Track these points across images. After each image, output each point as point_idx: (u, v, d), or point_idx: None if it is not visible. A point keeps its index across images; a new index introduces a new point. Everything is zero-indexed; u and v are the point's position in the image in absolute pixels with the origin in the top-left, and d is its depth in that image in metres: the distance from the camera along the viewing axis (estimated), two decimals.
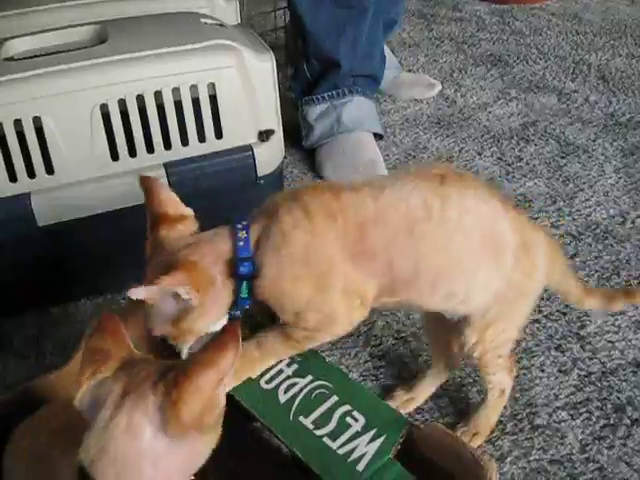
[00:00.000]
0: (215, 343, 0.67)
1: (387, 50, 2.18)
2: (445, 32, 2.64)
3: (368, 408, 0.94)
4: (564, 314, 1.40)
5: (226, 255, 0.90)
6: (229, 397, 0.75)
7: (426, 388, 1.25)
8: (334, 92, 1.88)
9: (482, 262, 0.97)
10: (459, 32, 2.64)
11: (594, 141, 1.94)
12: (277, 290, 0.92)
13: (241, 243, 0.90)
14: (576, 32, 2.60)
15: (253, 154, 1.45)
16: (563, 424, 1.21)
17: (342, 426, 0.92)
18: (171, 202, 0.96)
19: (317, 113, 1.90)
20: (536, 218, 1.65)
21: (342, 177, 1.79)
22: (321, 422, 0.92)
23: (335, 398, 0.95)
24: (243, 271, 0.90)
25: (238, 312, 0.94)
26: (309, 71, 1.91)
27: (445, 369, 1.25)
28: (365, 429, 0.91)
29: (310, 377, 0.98)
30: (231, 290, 0.91)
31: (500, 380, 1.16)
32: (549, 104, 2.11)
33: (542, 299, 1.44)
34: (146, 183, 0.96)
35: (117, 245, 1.38)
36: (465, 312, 1.03)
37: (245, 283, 0.91)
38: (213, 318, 0.92)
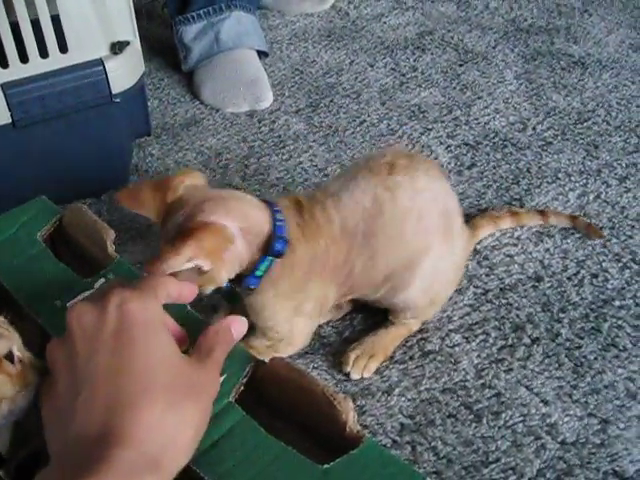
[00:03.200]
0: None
1: None
2: None
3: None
4: None
5: (260, 226, 0.89)
6: None
7: None
8: (210, 8, 1.69)
9: (435, 241, 0.97)
10: None
11: (494, 48, 1.78)
12: (287, 280, 0.92)
13: (279, 223, 0.89)
14: None
15: (104, 69, 1.25)
16: (457, 348, 1.07)
17: None
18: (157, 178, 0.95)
19: (193, 33, 1.70)
20: (430, 129, 1.50)
21: (222, 99, 1.61)
22: None
23: None
24: (279, 248, 0.88)
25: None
26: None
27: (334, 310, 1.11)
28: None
29: None
30: (247, 260, 0.89)
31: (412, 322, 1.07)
32: (447, 12, 1.94)
33: None
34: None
35: None
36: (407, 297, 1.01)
37: (269, 261, 0.89)
38: (231, 270, 0.89)
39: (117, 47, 1.28)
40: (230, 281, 0.91)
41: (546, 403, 1.00)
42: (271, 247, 0.88)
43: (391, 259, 0.96)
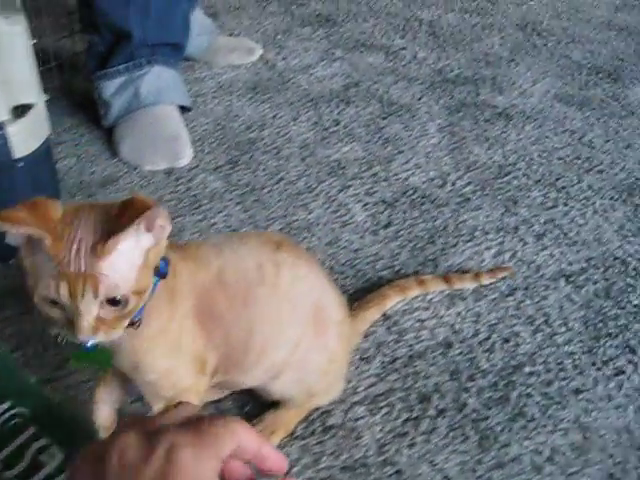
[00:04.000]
0: None
1: (201, 14, 1.96)
2: None
3: (68, 441, 0.73)
4: (369, 291, 1.21)
5: None
6: None
7: None
8: (130, 64, 1.66)
9: (306, 333, 0.93)
10: None
11: (419, 99, 1.77)
12: (168, 307, 0.82)
13: None
14: None
15: (5, 133, 1.22)
16: (360, 422, 1.03)
17: (36, 465, 0.71)
18: None
19: (113, 88, 1.66)
20: (349, 186, 1.47)
21: (140, 157, 1.58)
22: (12, 461, 0.72)
23: (32, 430, 0.74)
24: (161, 266, 0.78)
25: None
26: (101, 43, 1.68)
27: None
28: (61, 470, 0.70)
29: (9, 403, 0.77)
30: None
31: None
32: (375, 63, 1.93)
33: (338, 273, 1.26)
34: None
35: None
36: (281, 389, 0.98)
37: (155, 281, 0.78)
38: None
39: (19, 111, 1.25)
40: None
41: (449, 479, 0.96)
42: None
43: (267, 340, 0.91)
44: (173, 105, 1.67)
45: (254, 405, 1.06)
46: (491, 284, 1.24)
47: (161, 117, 1.64)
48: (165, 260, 0.79)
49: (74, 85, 1.84)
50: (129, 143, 1.61)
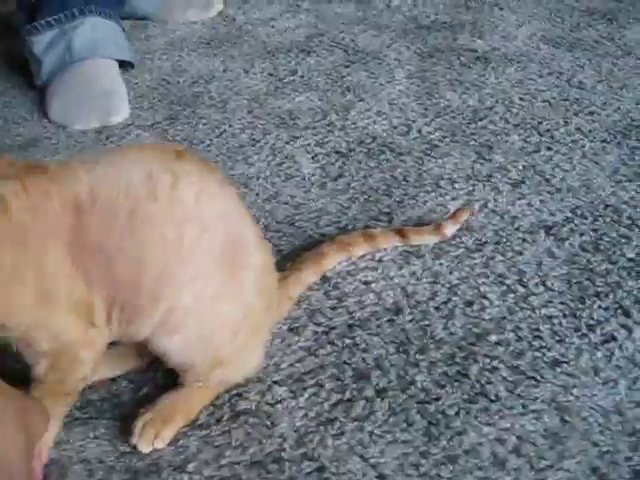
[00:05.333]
0: None
1: None
2: None
3: None
4: (308, 250, 0.97)
5: None
6: None
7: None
8: (61, 15, 1.43)
9: (217, 272, 0.72)
10: None
11: (388, 47, 1.52)
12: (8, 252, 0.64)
13: None
14: None
15: None
16: (278, 406, 0.79)
17: None
18: None
19: (45, 43, 1.44)
20: (298, 137, 1.23)
21: (69, 115, 1.36)
22: None
23: None
24: None
25: None
26: None
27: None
28: None
29: None
30: None
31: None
32: (344, 13, 1.68)
33: (274, 231, 1.02)
34: None
35: None
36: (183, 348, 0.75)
37: None
38: None
39: None
40: None
41: (383, 479, 0.71)
42: None
43: (164, 272, 0.70)
44: (110, 59, 1.44)
45: (155, 386, 0.82)
46: (455, 239, 0.99)
47: (96, 72, 1.42)
48: None
49: (11, 46, 1.61)
50: (59, 101, 1.39)
